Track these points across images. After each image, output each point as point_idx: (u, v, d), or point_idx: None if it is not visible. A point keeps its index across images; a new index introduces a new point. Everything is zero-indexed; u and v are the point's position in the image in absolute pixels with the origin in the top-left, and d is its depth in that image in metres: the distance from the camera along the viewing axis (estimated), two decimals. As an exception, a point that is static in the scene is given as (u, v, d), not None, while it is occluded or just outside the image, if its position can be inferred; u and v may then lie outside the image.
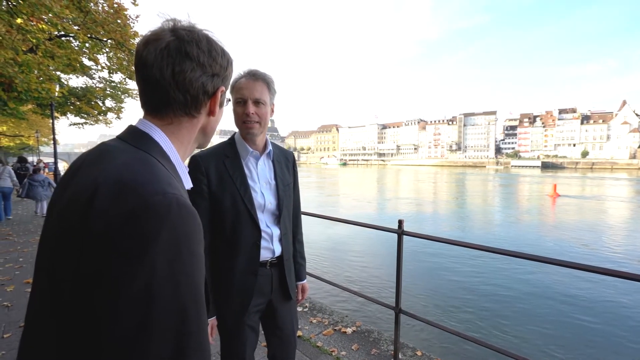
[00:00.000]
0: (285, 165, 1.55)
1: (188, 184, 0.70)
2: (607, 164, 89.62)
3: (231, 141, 1.45)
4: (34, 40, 7.03)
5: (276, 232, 1.45)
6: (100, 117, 15.27)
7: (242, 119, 1.36)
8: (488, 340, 2.25)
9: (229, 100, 0.91)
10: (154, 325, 0.47)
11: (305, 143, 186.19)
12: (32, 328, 0.56)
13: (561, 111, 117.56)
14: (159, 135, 0.66)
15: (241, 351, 1.41)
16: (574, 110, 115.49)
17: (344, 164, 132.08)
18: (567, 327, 5.14)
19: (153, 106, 0.67)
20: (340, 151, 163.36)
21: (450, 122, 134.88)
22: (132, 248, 0.48)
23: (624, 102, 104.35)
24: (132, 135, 0.65)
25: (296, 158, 1.67)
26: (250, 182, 1.40)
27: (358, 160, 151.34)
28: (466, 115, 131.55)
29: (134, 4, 9.57)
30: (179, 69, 0.64)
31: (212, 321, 1.36)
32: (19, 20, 6.54)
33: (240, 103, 1.35)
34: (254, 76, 1.35)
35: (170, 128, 0.68)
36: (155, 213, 0.50)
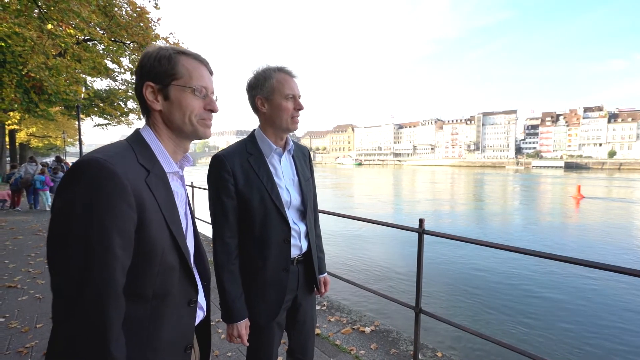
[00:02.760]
0: (303, 160, 1.56)
1: (168, 166, 0.92)
2: (637, 164, 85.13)
3: (252, 138, 1.41)
4: (63, 45, 7.33)
5: (303, 228, 1.45)
6: (123, 118, 15.78)
7: (291, 114, 1.34)
8: (511, 342, 2.20)
9: (193, 89, 0.90)
10: (72, 236, 0.71)
11: (320, 143, 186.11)
12: None
13: (586, 109, 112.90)
14: (145, 130, 0.93)
15: (269, 347, 1.41)
16: (600, 109, 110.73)
17: (360, 164, 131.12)
18: (593, 330, 4.95)
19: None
20: (355, 151, 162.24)
21: (469, 122, 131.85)
22: (63, 188, 0.74)
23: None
24: (132, 132, 0.95)
25: (312, 157, 1.66)
26: (276, 179, 1.37)
27: (374, 160, 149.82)
28: (485, 114, 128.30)
29: (155, 7, 9.84)
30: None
31: (246, 322, 1.33)
32: (49, 26, 6.84)
33: (291, 98, 1.34)
34: (292, 73, 1.36)
35: (149, 124, 0.94)
36: (80, 167, 0.74)
